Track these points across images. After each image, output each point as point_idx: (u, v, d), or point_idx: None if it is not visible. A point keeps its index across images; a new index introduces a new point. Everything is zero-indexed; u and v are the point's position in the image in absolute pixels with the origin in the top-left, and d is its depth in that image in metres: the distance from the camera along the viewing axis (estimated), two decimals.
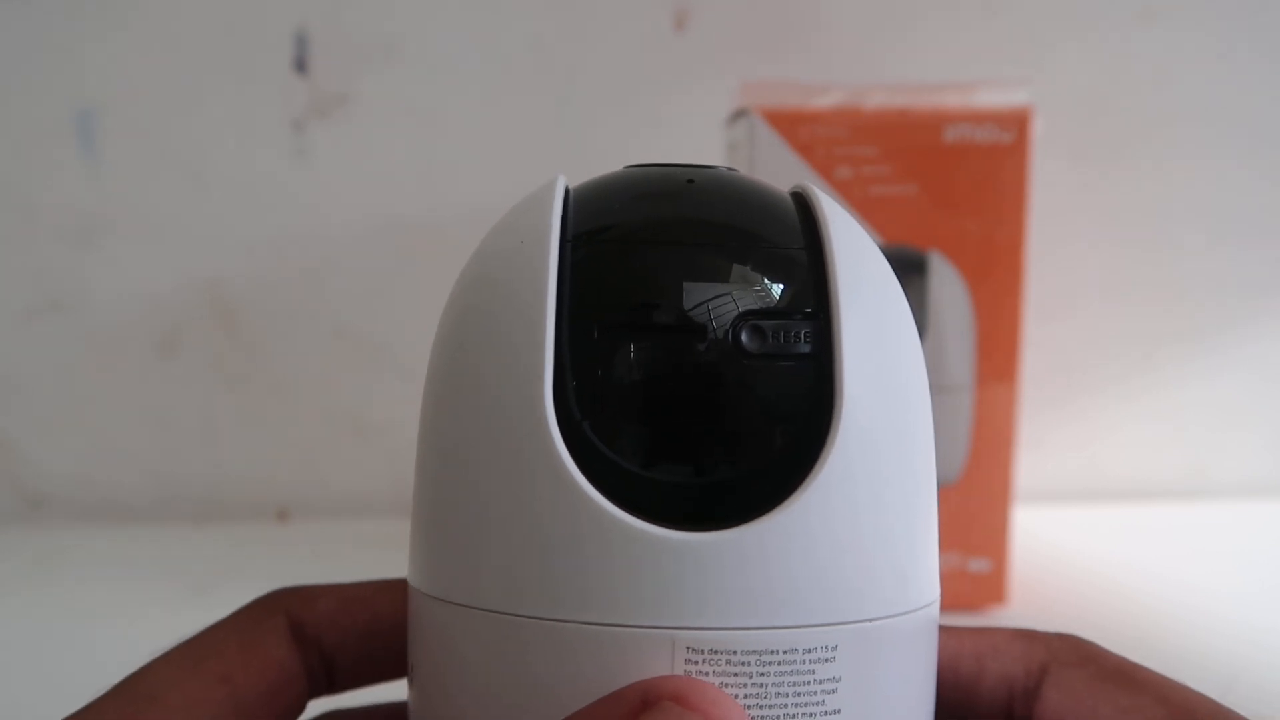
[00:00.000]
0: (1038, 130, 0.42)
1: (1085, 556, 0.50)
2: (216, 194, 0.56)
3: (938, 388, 0.43)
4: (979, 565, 0.43)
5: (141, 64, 0.55)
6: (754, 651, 0.17)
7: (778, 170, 0.41)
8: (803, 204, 0.20)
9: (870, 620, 0.18)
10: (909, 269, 0.43)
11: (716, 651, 0.17)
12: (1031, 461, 0.51)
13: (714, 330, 0.18)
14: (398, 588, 0.23)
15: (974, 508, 0.43)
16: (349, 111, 0.55)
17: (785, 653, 0.17)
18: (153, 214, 0.56)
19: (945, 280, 0.42)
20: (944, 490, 0.43)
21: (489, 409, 0.18)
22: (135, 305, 0.56)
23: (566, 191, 0.20)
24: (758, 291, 0.18)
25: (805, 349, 0.18)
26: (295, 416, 0.57)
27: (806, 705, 0.17)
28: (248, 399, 0.57)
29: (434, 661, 0.19)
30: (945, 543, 0.48)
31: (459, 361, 0.19)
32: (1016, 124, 0.42)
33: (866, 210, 0.42)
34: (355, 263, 0.56)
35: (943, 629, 0.20)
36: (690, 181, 0.20)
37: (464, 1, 0.55)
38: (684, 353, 0.18)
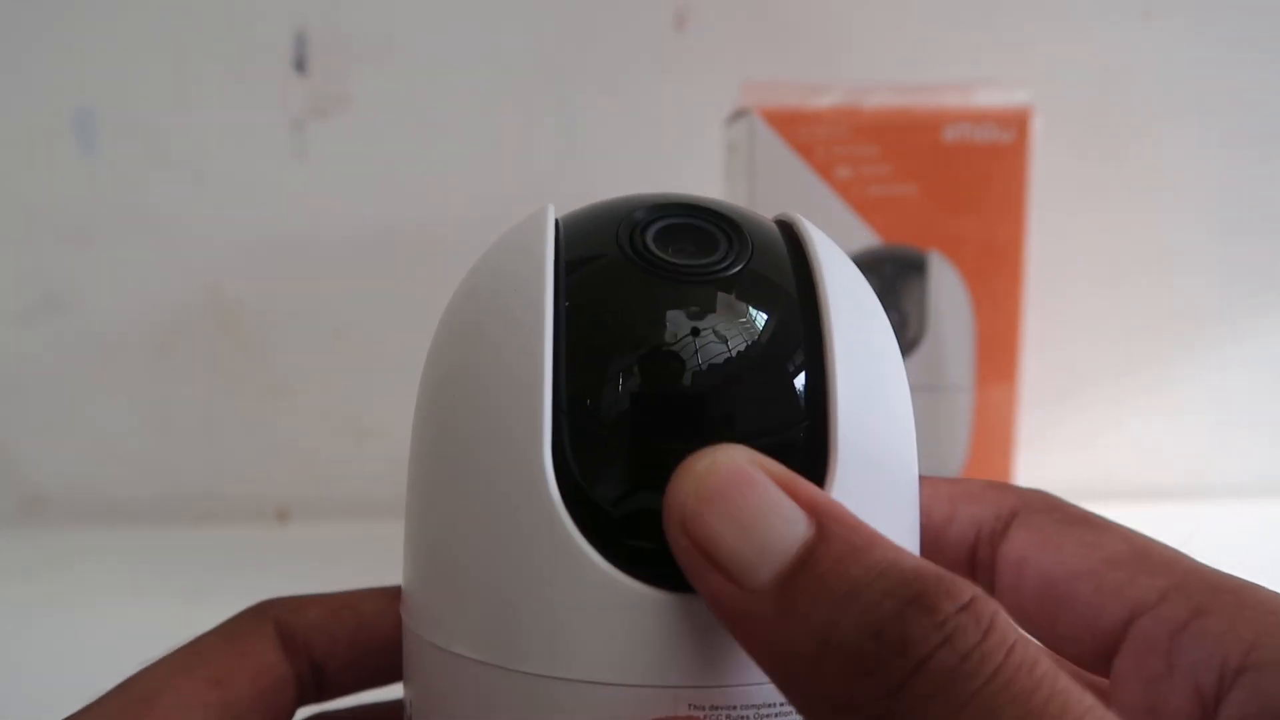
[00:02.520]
0: (1037, 130, 0.42)
1: None
2: (216, 194, 0.56)
3: (938, 388, 0.43)
4: None
5: (141, 64, 0.55)
6: (754, 705, 0.17)
7: (778, 170, 0.41)
8: (794, 242, 0.20)
9: None
10: (909, 269, 0.43)
11: (717, 707, 0.17)
12: (1031, 461, 0.51)
13: (711, 397, 0.18)
14: (385, 595, 0.23)
15: None
16: (348, 111, 0.55)
17: (782, 704, 0.17)
18: (153, 214, 0.56)
19: (945, 280, 0.42)
20: None
21: (487, 469, 0.18)
22: (135, 305, 0.56)
23: (557, 226, 0.20)
24: (754, 355, 0.18)
25: (801, 413, 0.18)
26: (295, 416, 0.57)
27: None
28: (248, 399, 0.57)
29: (434, 707, 0.19)
30: None
31: (453, 412, 0.19)
32: (1016, 124, 0.42)
33: (866, 210, 0.42)
34: (355, 262, 0.56)
35: (923, 478, 0.21)
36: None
37: (464, 1, 0.55)
38: (680, 418, 0.18)
